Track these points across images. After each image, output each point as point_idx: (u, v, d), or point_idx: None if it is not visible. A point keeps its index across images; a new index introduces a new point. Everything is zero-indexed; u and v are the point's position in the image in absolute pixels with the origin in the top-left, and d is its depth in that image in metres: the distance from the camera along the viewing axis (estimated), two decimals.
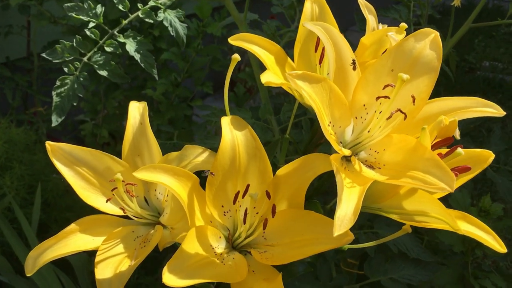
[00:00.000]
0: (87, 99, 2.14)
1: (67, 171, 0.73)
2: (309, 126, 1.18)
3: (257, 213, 0.69)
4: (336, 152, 0.62)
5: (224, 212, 0.70)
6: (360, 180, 0.58)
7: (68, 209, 2.23)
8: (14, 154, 2.20)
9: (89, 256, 2.00)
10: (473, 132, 3.46)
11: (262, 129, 1.23)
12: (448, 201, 1.35)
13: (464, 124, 1.68)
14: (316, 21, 0.79)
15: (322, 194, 0.83)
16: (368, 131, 0.63)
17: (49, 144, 0.72)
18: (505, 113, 0.63)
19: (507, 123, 4.23)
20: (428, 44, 0.63)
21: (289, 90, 0.79)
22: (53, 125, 1.06)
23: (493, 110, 0.63)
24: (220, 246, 0.68)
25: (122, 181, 0.70)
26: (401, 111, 0.59)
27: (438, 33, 0.62)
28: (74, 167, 0.74)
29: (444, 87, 4.58)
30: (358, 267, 1.55)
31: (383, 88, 0.60)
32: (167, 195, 0.75)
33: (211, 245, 0.66)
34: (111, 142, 2.28)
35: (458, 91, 4.63)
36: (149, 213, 0.77)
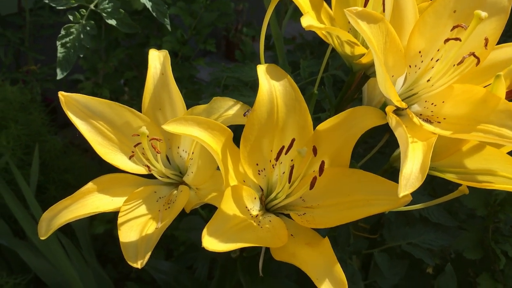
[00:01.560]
0: (87, 57, 2.04)
1: (83, 125, 0.66)
2: (331, 82, 1.11)
3: None
4: (388, 105, 0.56)
5: (259, 170, 0.63)
6: (421, 135, 0.52)
7: (66, 170, 2.16)
8: (10, 113, 2.11)
9: (90, 220, 1.95)
10: None
11: None
12: None
13: None
14: None
15: None
16: (428, 80, 0.56)
17: (62, 95, 0.65)
18: None
19: None
20: None
21: (326, 37, 0.71)
22: (58, 78, 0.98)
23: None
24: (255, 208, 0.62)
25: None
26: (475, 55, 0.52)
27: None
28: (91, 121, 0.66)
29: None
30: (370, 231, 1.51)
31: (451, 30, 0.53)
32: (193, 153, 0.69)
33: (246, 207, 0.60)
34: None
35: None
36: (173, 172, 0.71)
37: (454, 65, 0.54)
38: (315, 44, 1.62)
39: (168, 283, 1.09)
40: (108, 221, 1.90)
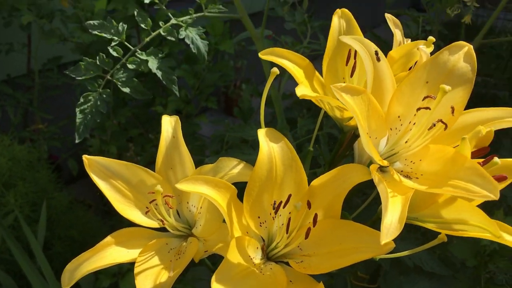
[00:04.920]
0: None
1: (104, 184, 0.74)
2: (326, 140, 1.20)
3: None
4: (372, 163, 0.64)
5: (260, 223, 0.71)
6: (400, 189, 0.60)
7: (71, 226, 2.22)
8: (18, 172, 2.20)
9: (95, 274, 1.99)
10: None
11: None
12: None
13: None
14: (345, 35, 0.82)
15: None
16: (406, 142, 0.65)
17: (86, 158, 0.73)
18: None
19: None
20: (462, 57, 0.65)
21: (318, 103, 0.80)
22: (76, 141, 1.07)
23: None
24: (257, 257, 0.69)
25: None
26: (442, 122, 0.61)
27: (471, 46, 0.65)
28: (110, 180, 0.74)
29: None
30: (369, 281, 1.55)
31: (423, 99, 0.62)
32: (201, 207, 0.76)
33: (249, 256, 0.67)
34: (117, 159, 2.28)
35: None
36: (182, 225, 0.78)
37: (427, 129, 0.62)
38: (311, 101, 1.72)
39: None
40: (113, 275, 1.95)
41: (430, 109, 0.61)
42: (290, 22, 1.50)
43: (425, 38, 1.72)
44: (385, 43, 1.49)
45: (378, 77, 0.66)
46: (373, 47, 0.66)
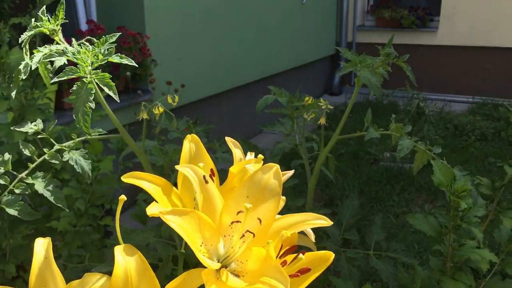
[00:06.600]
0: None
1: None
2: None
3: None
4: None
5: None
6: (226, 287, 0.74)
7: None
8: None
9: None
10: (360, 222, 3.79)
11: (164, 246, 1.36)
12: None
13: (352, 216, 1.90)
14: (194, 156, 0.98)
15: None
16: (232, 247, 0.79)
17: None
18: (332, 223, 0.82)
19: (411, 207, 4.64)
20: (272, 175, 0.82)
21: None
22: None
23: (323, 222, 0.82)
24: None
25: None
26: (250, 231, 0.77)
27: (278, 166, 0.82)
28: None
29: (353, 179, 4.95)
30: None
31: (237, 214, 0.78)
32: None
33: None
34: (21, 273, 2.26)
35: (365, 182, 5.03)
36: None
37: (240, 238, 0.78)
38: None
39: None
40: None
41: (241, 222, 0.77)
42: (174, 132, 1.66)
43: (300, 133, 1.94)
44: (255, 147, 1.70)
45: (207, 196, 0.81)
46: (201, 172, 0.82)
